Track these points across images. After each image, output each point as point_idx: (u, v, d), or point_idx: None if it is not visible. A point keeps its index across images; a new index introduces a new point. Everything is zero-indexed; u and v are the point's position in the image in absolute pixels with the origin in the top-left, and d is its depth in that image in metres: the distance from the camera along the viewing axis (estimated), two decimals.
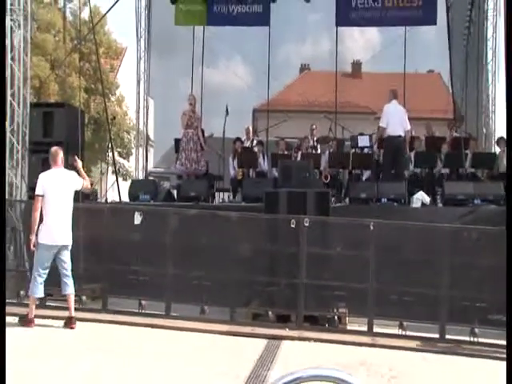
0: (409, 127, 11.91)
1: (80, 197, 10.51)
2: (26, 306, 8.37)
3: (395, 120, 11.57)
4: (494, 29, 14.96)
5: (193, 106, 12.73)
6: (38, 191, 7.80)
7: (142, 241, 8.71)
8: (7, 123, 10.29)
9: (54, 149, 8.21)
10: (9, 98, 10.32)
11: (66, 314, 8.13)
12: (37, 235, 7.68)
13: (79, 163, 8.29)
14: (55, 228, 7.72)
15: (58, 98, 23.72)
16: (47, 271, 7.74)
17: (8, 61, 10.44)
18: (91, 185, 14.92)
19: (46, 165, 9.87)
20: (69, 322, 7.70)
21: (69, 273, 7.81)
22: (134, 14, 16.51)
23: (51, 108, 11.02)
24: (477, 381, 6.19)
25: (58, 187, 7.80)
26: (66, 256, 7.81)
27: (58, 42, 25.24)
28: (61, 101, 20.78)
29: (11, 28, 10.49)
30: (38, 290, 7.73)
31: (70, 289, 7.78)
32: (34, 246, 7.78)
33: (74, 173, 8.10)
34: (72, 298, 7.80)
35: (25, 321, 7.68)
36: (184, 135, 12.54)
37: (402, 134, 11.66)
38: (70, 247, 7.85)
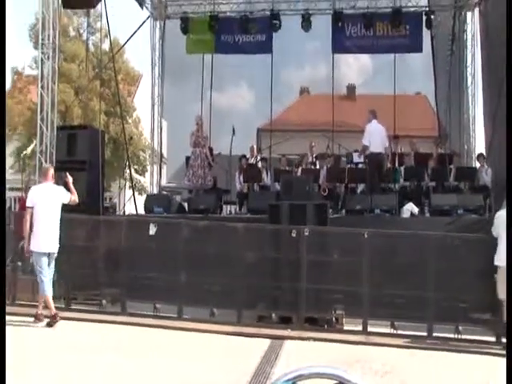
0: (387, 144, 12.06)
1: (101, 210, 10.64)
2: (57, 308, 8.49)
3: (376, 138, 11.69)
4: (472, 57, 15.17)
5: (200, 126, 12.79)
6: (27, 203, 8.01)
7: (157, 250, 8.71)
8: (37, 144, 10.42)
9: (45, 166, 8.59)
10: (39, 122, 10.47)
11: (89, 316, 8.23)
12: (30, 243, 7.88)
13: (70, 179, 8.40)
14: (42, 237, 7.85)
15: (81, 120, 23.89)
16: (45, 271, 7.85)
17: (39, 89, 10.60)
18: (110, 199, 15.06)
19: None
20: (51, 319, 7.77)
21: (50, 277, 7.92)
22: (149, 44, 16.68)
23: (75, 130, 11.14)
24: (461, 373, 6.19)
25: (46, 200, 7.94)
26: (51, 261, 7.94)
27: (81, 71, 25.47)
28: (83, 123, 20.93)
29: (42, 60, 10.68)
30: (46, 289, 7.85)
31: (50, 290, 7.88)
32: (27, 252, 7.96)
33: (61, 188, 8.24)
34: (50, 299, 7.87)
35: (51, 319, 7.78)
36: (192, 153, 12.62)
37: (383, 151, 11.80)
38: (55, 254, 7.97)
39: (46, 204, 7.92)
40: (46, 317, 7.88)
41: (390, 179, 12.25)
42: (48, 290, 7.85)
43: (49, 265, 7.92)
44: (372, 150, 11.73)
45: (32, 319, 7.87)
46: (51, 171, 8.23)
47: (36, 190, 8.21)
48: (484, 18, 14.20)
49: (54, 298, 8.69)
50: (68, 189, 8.30)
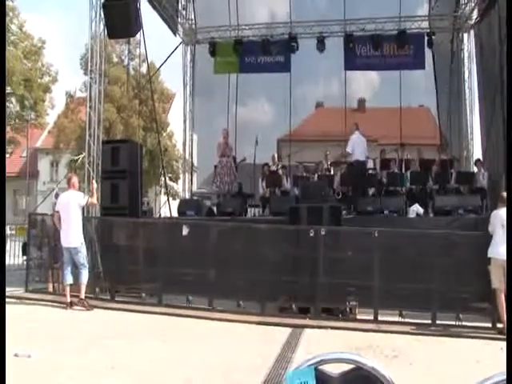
0: (367, 154, 12.09)
1: (140, 213, 10.76)
2: (101, 300, 8.68)
3: (359, 148, 11.66)
4: (469, 73, 15.14)
5: (226, 138, 12.83)
6: (56, 208, 8.68)
7: (189, 248, 8.77)
8: (86, 156, 10.64)
9: (69, 175, 9.31)
10: (87, 137, 10.71)
11: (130, 306, 8.32)
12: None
13: (94, 185, 9.08)
14: (64, 234, 8.38)
15: (122, 135, 24.24)
16: (65, 264, 8.42)
17: (87, 109, 10.84)
18: (147, 203, 15.24)
19: (114, 188, 10.20)
20: (79, 302, 8.20)
21: (81, 267, 8.32)
22: (182, 66, 16.81)
23: (117, 144, 11.25)
24: (461, 356, 6.12)
25: (67, 204, 8.44)
26: (76, 255, 8.33)
27: (122, 92, 25.90)
28: (124, 138, 21.21)
29: (90, 84, 10.92)
30: (66, 279, 8.37)
31: (81, 279, 8.31)
32: None
33: (79, 193, 8.75)
34: (83, 287, 8.29)
35: (67, 305, 8.21)
36: (219, 162, 12.66)
37: (365, 159, 11.80)
38: (78, 248, 8.33)
39: (66, 208, 8.43)
40: (65, 303, 8.25)
41: (397, 183, 12.16)
42: (66, 279, 8.35)
43: (74, 258, 8.34)
44: (357, 158, 11.74)
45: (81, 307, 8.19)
46: (72, 180, 8.75)
47: (60, 196, 8.83)
48: (478, 39, 14.13)
49: (101, 290, 8.90)
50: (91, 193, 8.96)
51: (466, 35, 15.21)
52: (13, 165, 36.41)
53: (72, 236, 8.32)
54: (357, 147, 11.68)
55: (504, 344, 6.46)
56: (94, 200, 8.87)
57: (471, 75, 14.97)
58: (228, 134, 13.14)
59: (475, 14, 14.05)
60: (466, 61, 15.17)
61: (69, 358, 5.45)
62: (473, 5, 14.01)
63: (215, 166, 13.22)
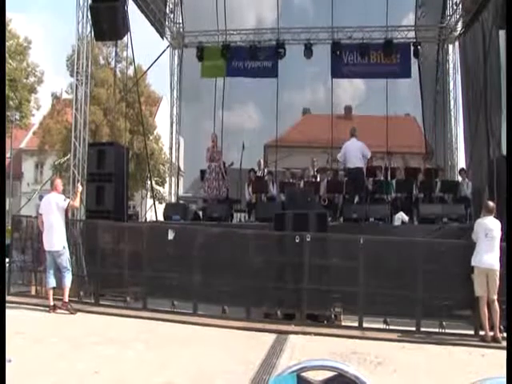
0: (369, 156, 11.76)
1: (126, 217, 10.71)
2: (85, 303, 8.60)
3: (352, 154, 11.46)
4: (454, 83, 15.36)
5: (214, 143, 12.80)
6: (39, 211, 8.59)
7: (175, 253, 8.77)
8: (71, 158, 10.57)
9: (53, 178, 9.16)
10: (73, 139, 10.64)
11: (115, 310, 8.27)
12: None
13: (79, 188, 9.04)
14: (45, 238, 8.32)
15: (108, 138, 24.09)
16: (48, 267, 8.34)
17: (73, 111, 10.78)
18: (133, 207, 15.15)
19: (100, 191, 10.13)
20: (63, 306, 8.14)
21: (64, 270, 8.26)
22: (169, 69, 16.78)
23: (103, 146, 11.20)
24: (444, 363, 6.18)
25: (49, 207, 8.38)
26: (58, 258, 8.26)
27: (109, 95, 25.78)
28: (111, 140, 21.08)
29: (76, 86, 10.86)
30: (49, 282, 8.29)
31: (64, 282, 8.26)
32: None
33: (61, 195, 8.61)
34: (66, 290, 8.24)
35: (51, 308, 8.17)
36: (208, 167, 12.62)
37: (360, 165, 11.54)
38: (61, 252, 8.25)
39: (47, 210, 8.38)
40: (49, 306, 8.18)
41: (383, 191, 12.25)
42: (49, 282, 8.27)
43: (57, 261, 8.27)
44: (348, 166, 11.60)
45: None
46: (55, 182, 8.70)
47: (43, 199, 8.72)
48: (463, 50, 14.34)
49: (85, 294, 8.83)
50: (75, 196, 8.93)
51: (451, 46, 15.45)
52: None
53: (54, 239, 8.24)
54: (349, 154, 11.55)
55: (486, 351, 6.59)
56: (76, 203, 8.77)
57: (456, 86, 15.22)
58: (217, 138, 13.11)
59: (460, 26, 14.26)
60: (451, 71, 15.40)
61: (52, 362, 5.40)
62: (458, 16, 14.23)
63: (202, 171, 13.19)
